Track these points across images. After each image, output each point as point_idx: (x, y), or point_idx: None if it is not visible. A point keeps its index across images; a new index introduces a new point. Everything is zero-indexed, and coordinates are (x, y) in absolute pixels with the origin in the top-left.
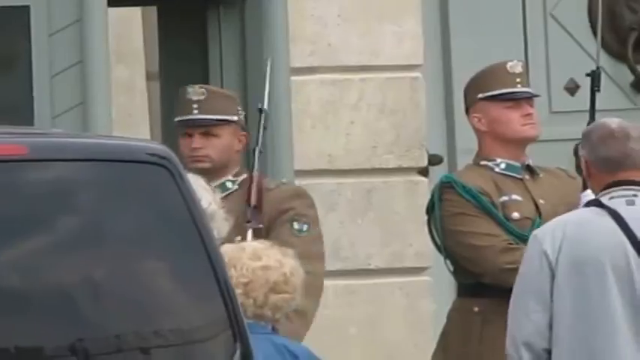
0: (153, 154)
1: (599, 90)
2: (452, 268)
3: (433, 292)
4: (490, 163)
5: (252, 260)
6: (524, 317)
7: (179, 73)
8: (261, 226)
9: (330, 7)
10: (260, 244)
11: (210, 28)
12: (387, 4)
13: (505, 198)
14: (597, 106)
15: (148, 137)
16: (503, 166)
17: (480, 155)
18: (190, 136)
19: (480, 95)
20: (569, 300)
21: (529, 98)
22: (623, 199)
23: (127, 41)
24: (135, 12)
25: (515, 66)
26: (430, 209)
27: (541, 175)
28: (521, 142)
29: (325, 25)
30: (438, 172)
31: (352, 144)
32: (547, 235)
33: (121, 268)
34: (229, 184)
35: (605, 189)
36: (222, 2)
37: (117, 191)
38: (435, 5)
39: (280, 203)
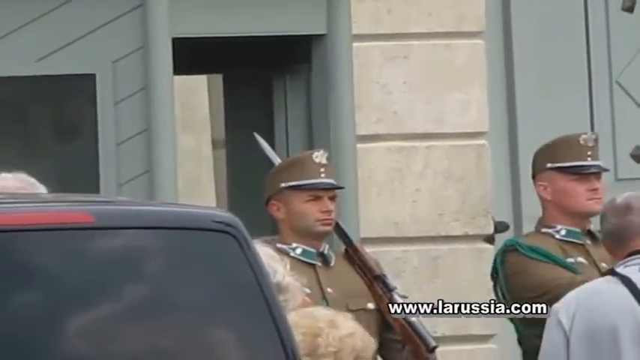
0: (219, 222)
1: None
2: (519, 328)
3: None
4: (551, 230)
5: (333, 328)
6: None
7: (245, 140)
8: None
9: (395, 75)
10: (327, 311)
11: (276, 96)
12: (453, 71)
13: (571, 260)
14: None
15: (214, 205)
16: (563, 232)
17: (541, 222)
18: (318, 199)
19: (549, 165)
20: None
21: (597, 172)
22: (637, 267)
23: (193, 109)
24: (201, 80)
25: (589, 139)
26: (495, 274)
27: None
28: (584, 216)
29: (390, 93)
30: (504, 240)
31: (418, 211)
32: (563, 306)
33: (187, 336)
34: (331, 252)
35: (623, 259)
36: (288, 70)
37: (183, 259)
38: (500, 72)
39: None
